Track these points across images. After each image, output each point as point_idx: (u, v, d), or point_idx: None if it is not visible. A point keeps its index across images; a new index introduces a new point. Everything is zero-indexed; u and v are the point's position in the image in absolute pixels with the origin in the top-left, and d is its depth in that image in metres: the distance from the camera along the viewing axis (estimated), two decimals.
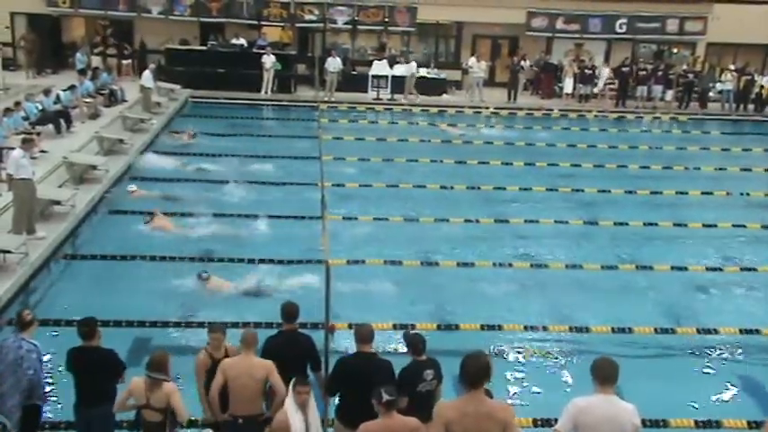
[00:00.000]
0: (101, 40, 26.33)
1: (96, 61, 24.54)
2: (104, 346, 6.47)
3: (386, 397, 5.37)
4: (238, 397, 6.29)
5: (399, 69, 25.13)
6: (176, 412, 6.06)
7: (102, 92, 20.63)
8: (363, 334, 6.42)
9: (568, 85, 25.52)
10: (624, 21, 27.24)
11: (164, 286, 10.66)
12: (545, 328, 9.52)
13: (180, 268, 11.14)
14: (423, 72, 26.09)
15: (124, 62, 25.79)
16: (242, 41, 25.59)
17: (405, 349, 6.51)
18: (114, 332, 8.33)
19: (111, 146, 16.82)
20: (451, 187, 15.51)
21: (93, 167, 15.00)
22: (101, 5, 25.75)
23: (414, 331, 6.57)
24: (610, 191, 15.59)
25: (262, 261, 11.37)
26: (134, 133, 18.44)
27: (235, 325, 8.34)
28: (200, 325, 8.32)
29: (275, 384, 6.26)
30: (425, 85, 25.53)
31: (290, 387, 5.98)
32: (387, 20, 26.62)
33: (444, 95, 25.79)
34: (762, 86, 25.74)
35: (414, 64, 25.09)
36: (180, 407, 6.07)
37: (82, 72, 21.31)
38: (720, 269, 11.83)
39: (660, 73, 25.66)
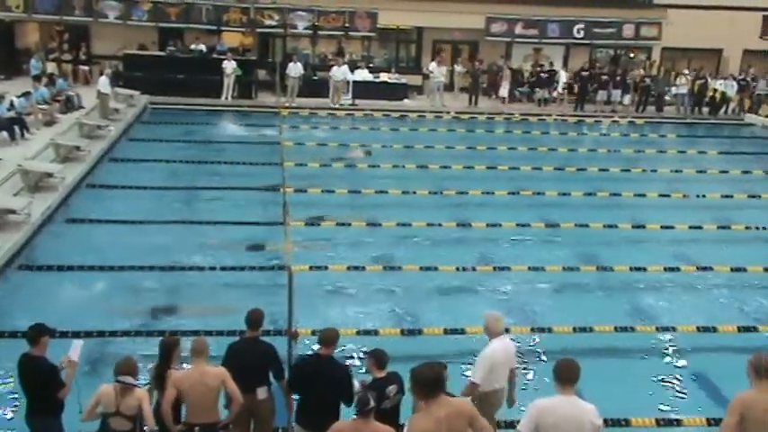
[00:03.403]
0: (56, 46, 25.86)
1: (51, 67, 24.07)
2: (48, 359, 6.31)
3: (372, 404, 5.35)
4: (194, 407, 6.20)
5: (361, 74, 25.21)
6: (145, 418, 5.96)
7: (59, 98, 20.26)
8: (325, 337, 6.42)
9: (504, 90, 25.73)
10: (582, 26, 27.66)
11: (123, 296, 10.49)
12: (507, 330, 9.51)
13: (140, 278, 10.98)
14: (384, 77, 26.20)
15: (81, 68, 25.37)
16: (201, 47, 25.41)
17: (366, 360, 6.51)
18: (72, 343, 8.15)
19: (67, 153, 16.52)
20: (414, 192, 15.55)
21: (50, 175, 14.71)
22: (55, 10, 25.30)
23: (375, 348, 6.54)
24: (570, 193, 15.76)
25: (223, 268, 11.25)
26: (91, 140, 18.13)
27: (196, 333, 8.27)
28: (161, 334, 8.18)
29: (231, 391, 6.20)
30: (387, 91, 25.60)
31: None
32: (347, 25, 26.62)
33: (406, 100, 25.88)
34: (715, 90, 26.32)
35: (345, 68, 25.01)
36: (149, 414, 5.99)
37: (37, 78, 20.93)
38: (678, 269, 12.02)
39: (618, 77, 26.12)
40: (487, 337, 6.91)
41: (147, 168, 16.72)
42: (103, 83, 20.52)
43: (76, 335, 8.70)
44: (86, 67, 25.37)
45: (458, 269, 11.60)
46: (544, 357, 9.08)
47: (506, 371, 6.84)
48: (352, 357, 8.79)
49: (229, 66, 23.98)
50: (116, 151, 18.25)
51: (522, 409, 5.52)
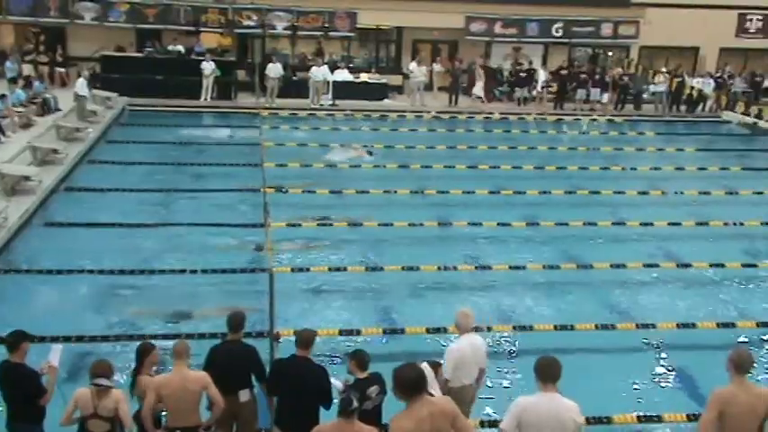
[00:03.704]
0: (32, 48, 25.59)
1: (28, 69, 23.81)
2: (29, 365, 6.22)
3: (355, 404, 5.34)
4: (174, 411, 6.15)
5: (341, 74, 25.18)
6: (123, 420, 5.92)
7: (35, 101, 20.04)
8: (302, 338, 6.41)
9: (478, 88, 25.82)
10: (560, 25, 27.81)
11: (102, 300, 10.41)
12: (489, 329, 9.59)
13: (118, 282, 10.89)
14: (364, 77, 26.19)
15: (57, 70, 25.11)
16: (179, 48, 25.24)
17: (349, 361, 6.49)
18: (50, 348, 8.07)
19: (44, 156, 16.34)
20: (395, 191, 15.55)
21: (27, 178, 14.55)
22: (31, 12, 25.04)
23: (357, 348, 6.53)
24: (550, 192, 15.84)
25: (204, 271, 11.19)
26: (69, 143, 17.96)
27: (177, 337, 8.22)
28: (141, 338, 8.12)
29: (213, 396, 6.16)
30: (367, 91, 25.59)
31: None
32: (327, 25, 26.57)
33: (386, 100, 25.89)
34: (692, 88, 26.57)
35: (325, 68, 24.97)
36: (127, 414, 5.95)
37: (13, 80, 20.70)
38: (657, 266, 12.11)
39: (597, 76, 26.29)
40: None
41: (126, 171, 16.59)
42: (81, 85, 20.33)
43: (55, 339, 8.63)
44: (63, 69, 25.11)
45: (439, 268, 11.61)
46: (525, 356, 9.09)
47: (475, 368, 6.84)
48: (333, 358, 8.76)
49: (208, 67, 23.85)
50: (94, 154, 18.10)
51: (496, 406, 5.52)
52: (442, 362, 6.62)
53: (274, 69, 24.28)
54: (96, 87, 22.64)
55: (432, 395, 5.65)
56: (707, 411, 5.67)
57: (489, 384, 8.12)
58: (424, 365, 6.02)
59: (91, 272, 11.00)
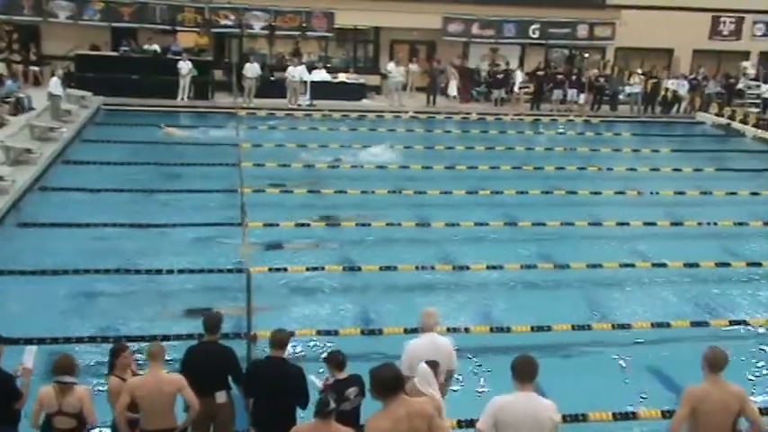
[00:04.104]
0: (5, 46, 25.26)
1: (0, 68, 23.50)
2: (2, 369, 6.14)
3: (332, 405, 5.32)
4: (149, 413, 6.09)
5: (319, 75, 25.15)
6: (87, 417, 5.89)
7: (8, 100, 19.79)
8: (276, 339, 6.38)
9: (452, 88, 25.84)
10: (537, 26, 27.98)
11: (78, 301, 10.30)
12: (467, 330, 9.63)
13: (94, 282, 10.78)
14: (342, 77, 26.17)
15: (31, 68, 24.82)
16: (155, 47, 25.04)
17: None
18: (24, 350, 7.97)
19: (18, 156, 16.12)
20: (373, 191, 15.55)
21: (0, 178, 14.36)
22: (4, 10, 24.74)
23: (333, 349, 6.51)
24: (527, 192, 15.92)
25: (181, 271, 11.11)
26: (43, 142, 17.74)
27: (154, 338, 8.16)
28: (117, 340, 8.05)
29: (188, 398, 6.11)
30: (345, 91, 25.57)
31: (427, 371, 5.92)
32: (304, 25, 26.51)
33: (364, 100, 25.88)
34: (667, 89, 26.86)
35: (302, 68, 24.93)
36: (91, 411, 5.92)
37: None
38: (633, 265, 12.22)
39: (574, 77, 26.49)
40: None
41: (101, 171, 16.43)
42: (55, 84, 20.09)
43: (29, 342, 8.52)
44: (37, 68, 24.83)
45: (417, 268, 11.62)
46: (503, 355, 9.11)
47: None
48: (310, 359, 8.73)
49: (185, 66, 23.69)
50: (69, 154, 17.91)
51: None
52: (438, 361, 6.55)
53: (252, 69, 24.19)
54: (71, 86, 22.42)
55: (426, 394, 5.62)
56: (680, 408, 5.75)
57: (464, 384, 8.18)
58: (422, 365, 6.02)
59: (65, 272, 10.88)
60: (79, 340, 9.03)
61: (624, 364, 9.32)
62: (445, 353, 6.65)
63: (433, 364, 6.23)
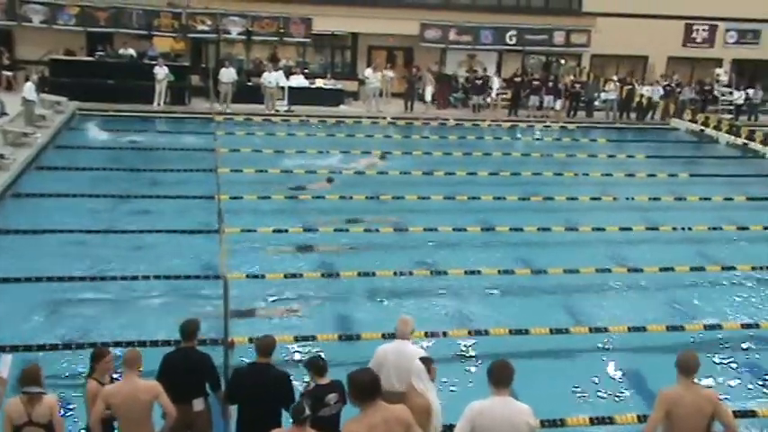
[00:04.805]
0: None
1: None
2: None
3: (307, 412, 5.30)
4: (125, 421, 6.04)
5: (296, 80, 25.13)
6: (56, 427, 5.80)
7: None
8: (262, 345, 6.35)
9: (428, 94, 25.98)
10: (514, 33, 28.19)
11: (51, 308, 10.18)
12: (445, 334, 9.63)
13: (68, 289, 10.66)
14: (319, 83, 26.16)
15: (4, 73, 24.52)
16: (131, 52, 24.86)
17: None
18: None
19: None
20: (351, 197, 15.54)
21: None
22: None
23: (316, 354, 6.49)
24: (505, 198, 15.98)
25: (157, 277, 11.01)
26: (16, 148, 17.53)
27: (130, 344, 8.07)
28: (92, 346, 7.95)
29: (165, 405, 6.07)
30: (323, 97, 25.56)
31: (420, 368, 5.96)
32: (282, 31, 26.49)
33: (342, 106, 25.89)
34: (642, 95, 27.16)
35: (280, 73, 24.90)
36: (61, 424, 5.85)
37: None
38: (609, 270, 12.31)
39: (550, 83, 26.70)
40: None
41: (76, 177, 16.25)
42: (29, 89, 19.87)
43: (2, 349, 8.41)
44: (10, 73, 24.54)
45: (395, 274, 11.61)
46: (480, 360, 9.17)
47: (404, 374, 6.37)
48: (289, 364, 8.70)
49: (161, 71, 23.55)
50: (43, 159, 17.71)
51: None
52: (432, 358, 6.52)
53: (227, 74, 24.10)
54: (45, 92, 22.17)
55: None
56: (654, 411, 5.80)
57: (441, 389, 8.17)
58: (416, 362, 6.07)
59: (39, 279, 10.73)
60: (53, 348, 8.91)
61: (601, 368, 9.38)
62: (409, 363, 6.33)
63: (427, 361, 6.24)
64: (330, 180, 16.42)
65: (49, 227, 12.82)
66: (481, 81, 26.97)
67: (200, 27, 25.94)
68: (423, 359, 6.23)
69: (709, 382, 8.65)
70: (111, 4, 25.19)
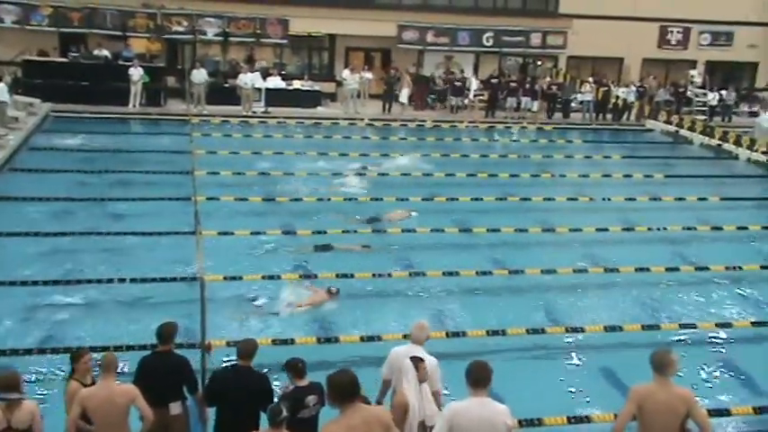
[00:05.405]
0: None
1: None
2: None
3: (284, 414, 5.28)
4: (102, 425, 5.99)
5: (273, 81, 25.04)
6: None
7: None
8: (244, 348, 6.34)
9: (404, 95, 26.05)
10: (491, 34, 28.33)
11: (25, 312, 10.05)
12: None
13: (42, 293, 10.52)
14: (297, 84, 26.08)
15: None
16: (105, 53, 24.61)
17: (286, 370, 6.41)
18: None
19: None
20: (329, 199, 15.52)
21: None
22: None
23: (295, 357, 6.46)
24: (482, 199, 16.04)
25: (133, 280, 10.91)
26: None
27: (105, 348, 7.99)
28: (67, 350, 7.86)
29: (142, 409, 6.02)
30: (300, 98, 25.49)
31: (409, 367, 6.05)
32: (258, 32, 26.38)
33: (319, 108, 25.83)
34: (617, 97, 27.40)
35: (256, 75, 24.81)
36: (40, 427, 5.78)
37: None
38: (586, 270, 12.40)
39: (528, 85, 26.85)
40: None
41: (50, 179, 16.06)
42: (1, 90, 19.62)
43: None
44: None
45: (373, 275, 11.60)
46: (458, 361, 9.15)
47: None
48: (266, 368, 8.66)
49: (136, 73, 23.34)
50: (16, 161, 17.47)
51: None
52: (423, 358, 6.52)
53: (198, 75, 23.87)
54: (18, 93, 21.90)
55: (369, 403, 5.64)
56: (625, 406, 5.87)
57: None
58: (406, 360, 6.20)
59: (13, 283, 10.59)
60: (27, 352, 8.80)
61: (578, 368, 9.44)
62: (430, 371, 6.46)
63: (416, 360, 6.24)
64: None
65: (22, 229, 12.65)
66: (459, 83, 27.05)
67: (176, 28, 25.77)
68: (412, 358, 6.25)
69: (684, 380, 8.71)
70: (84, 5, 24.92)
